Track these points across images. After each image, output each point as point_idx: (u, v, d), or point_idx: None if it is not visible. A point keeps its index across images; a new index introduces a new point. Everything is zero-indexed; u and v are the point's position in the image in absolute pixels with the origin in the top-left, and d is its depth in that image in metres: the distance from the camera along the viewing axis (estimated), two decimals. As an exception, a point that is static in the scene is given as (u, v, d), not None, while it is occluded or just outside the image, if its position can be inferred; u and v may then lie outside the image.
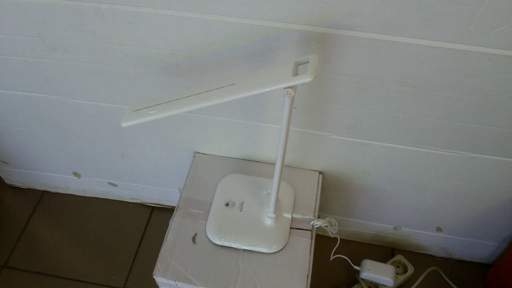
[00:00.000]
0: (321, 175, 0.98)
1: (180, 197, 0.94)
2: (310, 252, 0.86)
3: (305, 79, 0.57)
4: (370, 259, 1.07)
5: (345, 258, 1.01)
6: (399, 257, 1.13)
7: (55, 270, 1.15)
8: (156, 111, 0.69)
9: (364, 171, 0.95)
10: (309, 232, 0.88)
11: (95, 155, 1.10)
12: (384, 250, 1.20)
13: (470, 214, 1.02)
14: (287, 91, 0.59)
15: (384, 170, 0.93)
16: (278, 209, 0.87)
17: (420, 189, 0.97)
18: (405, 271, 1.11)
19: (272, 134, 0.90)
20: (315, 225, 0.88)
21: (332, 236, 0.91)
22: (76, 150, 1.09)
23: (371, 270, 1.05)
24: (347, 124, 0.83)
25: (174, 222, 0.90)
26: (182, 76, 0.80)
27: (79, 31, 0.75)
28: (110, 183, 1.21)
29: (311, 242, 0.87)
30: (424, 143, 0.83)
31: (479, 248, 1.13)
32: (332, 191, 1.03)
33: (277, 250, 0.85)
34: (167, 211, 1.23)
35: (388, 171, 0.93)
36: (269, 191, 0.91)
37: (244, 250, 0.85)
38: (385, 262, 1.13)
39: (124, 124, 0.70)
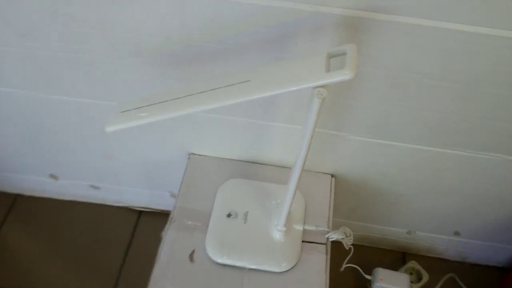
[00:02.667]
0: (333, 179, 0.87)
1: (175, 206, 0.82)
2: (325, 269, 0.75)
3: (343, 76, 0.45)
4: (380, 264, 0.98)
5: (355, 267, 0.91)
6: (412, 264, 1.04)
7: (29, 284, 1.02)
8: (149, 113, 0.56)
9: (383, 174, 0.84)
10: (324, 246, 0.78)
11: (75, 156, 0.97)
12: (394, 255, 1.11)
13: (492, 218, 0.93)
14: (318, 91, 0.47)
15: (406, 174, 0.83)
16: (288, 220, 0.76)
17: (444, 193, 0.87)
18: (419, 279, 1.02)
19: (280, 134, 0.78)
20: (331, 238, 0.77)
21: (347, 248, 0.81)
22: (52, 150, 0.95)
23: (384, 280, 0.96)
24: (370, 123, 0.72)
25: (168, 237, 0.78)
26: (179, 69, 0.67)
27: (53, 12, 0.61)
28: (92, 186, 1.07)
29: (327, 258, 0.76)
30: (456, 145, 0.73)
31: (497, 252, 1.05)
32: (343, 195, 0.92)
33: (288, 268, 0.75)
34: (157, 216, 1.11)
35: (411, 174, 0.83)
36: (279, 201, 0.80)
37: (250, 269, 0.74)
38: (396, 268, 1.04)
39: (109, 129, 0.57)
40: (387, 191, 0.89)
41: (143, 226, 1.11)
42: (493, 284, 1.07)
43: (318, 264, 0.75)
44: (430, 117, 0.68)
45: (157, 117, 0.55)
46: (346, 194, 0.92)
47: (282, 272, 0.74)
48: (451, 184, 0.84)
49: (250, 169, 0.87)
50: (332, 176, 0.87)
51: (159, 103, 0.56)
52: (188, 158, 0.88)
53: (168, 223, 0.80)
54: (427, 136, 0.72)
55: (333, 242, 0.78)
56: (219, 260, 0.74)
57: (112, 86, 0.73)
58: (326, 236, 0.78)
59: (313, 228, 0.78)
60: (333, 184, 0.86)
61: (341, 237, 0.77)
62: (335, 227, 0.79)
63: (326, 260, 0.76)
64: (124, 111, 0.58)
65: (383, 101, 0.66)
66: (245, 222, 0.78)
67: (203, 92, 0.54)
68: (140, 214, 1.13)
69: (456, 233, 1.00)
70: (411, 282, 1.00)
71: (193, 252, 0.76)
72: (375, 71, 0.61)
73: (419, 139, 0.73)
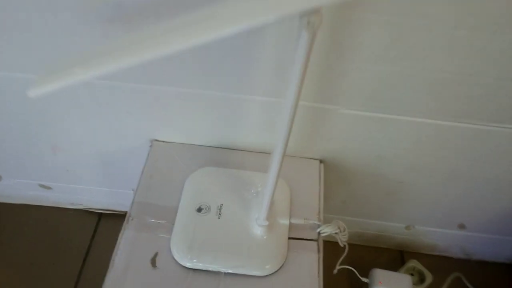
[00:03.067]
0: (322, 165, 0.74)
1: (133, 202, 0.68)
2: (318, 271, 0.62)
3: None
4: (377, 265, 0.86)
5: (350, 269, 0.78)
6: (413, 263, 0.92)
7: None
8: (85, 68, 0.42)
9: (379, 156, 0.72)
10: (315, 243, 0.65)
11: (17, 149, 0.82)
12: (391, 254, 0.99)
13: (503, 207, 0.82)
14: (308, 21, 0.34)
15: (405, 156, 0.71)
16: (271, 213, 0.63)
17: (448, 178, 0.75)
18: (422, 280, 0.90)
19: (259, 110, 0.65)
20: (323, 232, 0.64)
21: (342, 245, 0.68)
22: (-13, 143, 0.80)
23: (384, 283, 0.84)
24: (365, 92, 0.59)
25: (125, 238, 0.64)
26: (128, 25, 0.53)
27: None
28: (42, 186, 0.92)
29: (319, 257, 0.63)
30: (466, 116, 0.61)
31: (506, 247, 0.93)
32: (333, 185, 0.79)
33: (273, 271, 0.61)
34: (119, 218, 0.94)
35: (411, 156, 0.71)
36: (259, 189, 0.66)
37: (226, 274, 0.61)
38: (395, 268, 0.92)
39: (32, 93, 0.43)
40: (383, 178, 0.77)
41: (103, 231, 0.96)
42: (502, 282, 0.96)
43: (309, 265, 0.62)
44: (437, 80, 0.56)
45: (94, 72, 0.42)
46: (336, 184, 0.80)
47: (266, 276, 0.61)
48: (457, 166, 0.72)
49: (224, 156, 0.73)
50: (321, 161, 0.74)
51: (98, 56, 0.43)
52: (150, 146, 0.74)
53: (125, 221, 0.65)
54: (432, 106, 0.60)
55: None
56: (188, 264, 0.61)
57: (44, 53, 0.59)
58: (317, 230, 0.65)
59: (301, 221, 0.65)
60: (322, 170, 0.73)
61: (335, 231, 0.65)
62: (325, 222, 0.66)
63: (318, 259, 0.63)
64: (54, 73, 0.44)
65: (383, 60, 0.54)
66: (219, 217, 0.64)
67: (154, 37, 0.41)
68: (100, 217, 0.98)
69: (461, 226, 0.89)
70: (413, 284, 0.87)
71: (155, 255, 0.62)
72: (373, 17, 0.48)
73: (422, 110, 0.61)
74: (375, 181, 0.78)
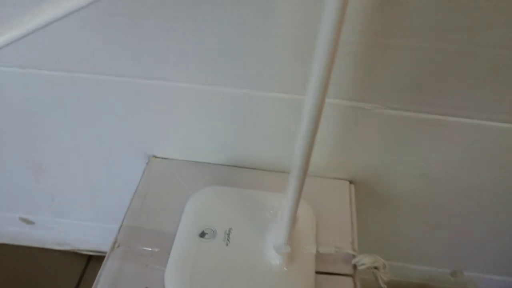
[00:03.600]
0: (352, 186, 0.61)
1: (121, 225, 0.55)
2: (356, 316, 0.47)
3: None
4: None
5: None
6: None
7: None
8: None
9: (424, 175, 0.59)
10: (350, 279, 0.50)
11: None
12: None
13: None
14: None
15: (456, 173, 0.58)
16: (293, 239, 0.49)
17: (501, 200, 0.61)
18: None
19: (275, 112, 0.54)
20: (361, 265, 0.50)
21: (383, 285, 0.53)
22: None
23: None
24: (407, 81, 0.48)
25: (107, 270, 0.50)
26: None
27: None
28: (23, 219, 0.80)
29: (356, 297, 0.49)
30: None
31: None
32: (365, 216, 0.65)
33: (296, 314, 0.47)
34: (111, 261, 0.82)
35: (464, 173, 0.58)
36: (277, 210, 0.53)
37: (235, 316, 0.46)
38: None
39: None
40: (427, 205, 0.63)
41: (91, 276, 0.81)
42: None
43: (343, 308, 0.48)
44: (503, 59, 0.44)
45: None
46: (369, 215, 0.66)
47: (287, 320, 0.46)
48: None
49: (233, 175, 0.61)
50: (351, 182, 0.61)
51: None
52: (147, 163, 0.62)
53: (110, 249, 0.52)
54: (503, 102, 0.48)
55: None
56: (185, 304, 0.46)
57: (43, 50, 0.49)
58: (353, 262, 0.50)
59: (331, 250, 0.51)
60: (353, 192, 0.60)
61: (375, 265, 0.50)
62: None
63: (356, 301, 0.48)
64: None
65: (436, 32, 0.43)
66: (227, 244, 0.51)
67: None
68: (89, 260, 0.84)
69: (521, 272, 0.73)
70: None
71: (144, 291, 0.48)
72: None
73: (483, 107, 0.49)
74: (417, 209, 0.64)
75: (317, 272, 0.50)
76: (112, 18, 0.46)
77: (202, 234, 0.52)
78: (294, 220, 0.46)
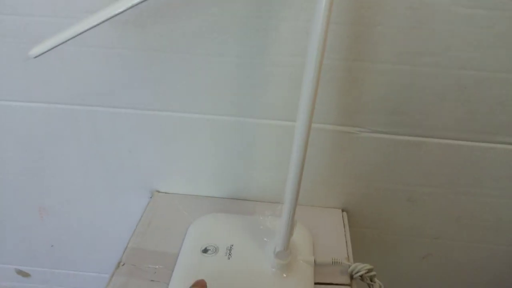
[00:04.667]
0: (345, 214, 0.65)
1: (125, 248, 0.57)
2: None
3: None
4: None
5: None
6: None
7: None
8: (85, 21, 0.39)
9: (411, 199, 0.64)
10: None
11: (-1, 217, 0.73)
12: None
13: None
14: None
15: (441, 195, 0.63)
16: (292, 251, 0.52)
17: (493, 229, 0.65)
18: None
19: (272, 142, 0.60)
20: (356, 272, 0.52)
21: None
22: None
23: None
24: (388, 104, 0.55)
25: (112, 285, 0.52)
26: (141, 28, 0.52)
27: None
28: (20, 272, 0.80)
29: (354, 303, 0.50)
30: (503, 131, 0.56)
31: None
32: (357, 247, 0.68)
33: (298, 318, 0.48)
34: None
35: (448, 195, 0.62)
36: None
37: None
38: None
39: (33, 52, 0.40)
40: (417, 232, 0.67)
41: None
42: None
43: (343, 314, 0.49)
44: (468, 80, 0.52)
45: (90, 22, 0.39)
46: (361, 245, 0.69)
47: (289, 325, 0.47)
48: (504, 212, 0.63)
49: (233, 206, 0.65)
50: (343, 210, 0.65)
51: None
52: (150, 197, 0.66)
53: (115, 267, 0.54)
54: (464, 118, 0.55)
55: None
56: (190, 311, 0.47)
57: (32, 76, 0.56)
58: (349, 270, 0.53)
59: (328, 261, 0.54)
60: (345, 219, 0.64)
61: (370, 274, 0.53)
62: None
63: (354, 307, 0.50)
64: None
65: (404, 57, 0.51)
66: (229, 258, 0.53)
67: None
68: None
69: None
70: None
71: (149, 303, 0.49)
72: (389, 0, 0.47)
73: (452, 125, 0.56)
74: (407, 237, 0.67)
75: (316, 283, 0.52)
76: (130, 52, 0.54)
77: (205, 250, 0.54)
78: (292, 225, 0.49)
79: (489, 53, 0.50)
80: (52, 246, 0.75)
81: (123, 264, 0.54)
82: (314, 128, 0.46)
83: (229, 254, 0.53)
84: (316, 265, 0.53)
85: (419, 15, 0.48)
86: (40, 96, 0.59)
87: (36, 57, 0.40)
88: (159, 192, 0.66)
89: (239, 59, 0.53)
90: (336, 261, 0.54)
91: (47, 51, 0.40)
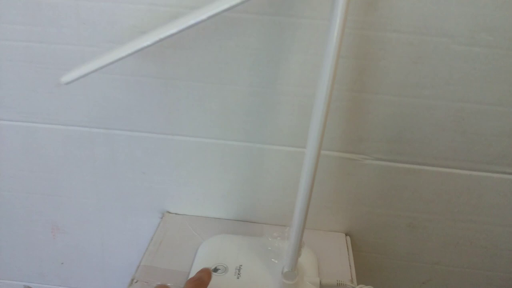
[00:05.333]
0: (348, 238, 0.67)
1: (138, 266, 0.59)
2: (360, 337, 0.50)
3: None
4: None
5: None
6: None
7: None
8: (115, 52, 0.43)
9: (411, 225, 0.66)
10: (351, 307, 0.54)
11: (10, 237, 0.75)
12: None
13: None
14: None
15: (439, 221, 0.65)
16: (298, 273, 0.54)
17: (489, 254, 0.67)
18: None
19: (282, 166, 0.63)
20: (360, 293, 0.55)
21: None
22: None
23: None
24: (390, 133, 0.58)
25: (126, 300, 0.54)
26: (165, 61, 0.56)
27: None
28: (27, 289, 0.81)
29: (358, 323, 0.52)
30: (500, 162, 0.59)
31: None
32: (359, 272, 0.70)
33: (305, 336, 0.50)
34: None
35: (446, 221, 0.65)
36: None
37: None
38: None
39: (65, 79, 0.43)
40: (417, 258, 0.69)
41: None
42: None
43: (347, 332, 0.51)
44: (463, 113, 0.56)
45: (120, 53, 0.42)
46: (363, 270, 0.71)
47: None
48: (500, 238, 0.66)
49: (242, 227, 0.67)
50: (347, 234, 0.68)
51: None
52: (161, 217, 0.69)
53: (128, 285, 0.56)
54: (460, 149, 0.58)
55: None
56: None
57: (72, 97, 0.60)
58: (353, 291, 0.55)
59: (333, 282, 0.56)
60: (349, 243, 0.66)
61: (374, 296, 0.55)
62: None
63: (358, 327, 0.52)
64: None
65: (404, 89, 0.55)
66: (238, 277, 0.55)
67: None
68: (88, 334, 0.83)
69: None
70: None
71: (161, 319, 0.51)
72: (395, 36, 0.51)
73: (448, 155, 0.59)
74: (408, 262, 0.69)
75: (321, 303, 0.54)
76: (148, 80, 0.57)
77: (215, 270, 0.56)
78: (300, 247, 0.52)
79: (486, 87, 0.53)
80: (62, 263, 0.77)
81: (136, 281, 0.56)
82: (320, 154, 0.49)
83: (238, 274, 0.56)
84: (321, 286, 0.55)
85: (420, 51, 0.52)
86: (60, 119, 0.62)
87: (67, 83, 0.44)
88: (169, 213, 0.69)
89: (250, 88, 0.57)
90: (340, 283, 0.56)
91: (77, 78, 0.43)
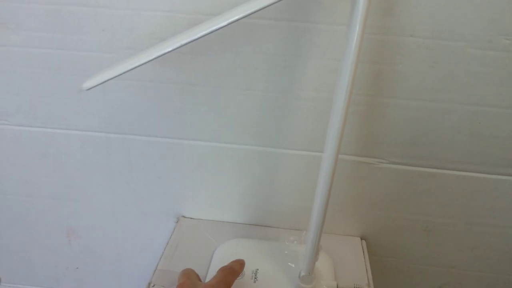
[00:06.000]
0: (364, 242, 0.67)
1: (155, 270, 0.59)
2: None
3: None
4: None
5: None
6: None
7: None
8: (136, 58, 0.44)
9: (427, 229, 0.66)
10: (369, 311, 0.54)
11: (26, 240, 0.76)
12: None
13: None
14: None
15: (455, 225, 0.65)
16: (315, 277, 0.54)
17: (506, 258, 0.67)
18: None
19: (295, 172, 0.63)
20: (378, 298, 0.55)
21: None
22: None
23: None
24: (407, 137, 0.58)
25: (144, 304, 0.54)
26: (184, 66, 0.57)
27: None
28: (43, 294, 0.82)
29: (376, 327, 0.52)
30: (515, 164, 0.59)
31: None
32: (376, 276, 0.70)
33: None
34: None
35: (462, 225, 0.65)
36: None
37: None
38: None
39: (86, 85, 0.44)
40: (433, 262, 0.69)
41: None
42: None
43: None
44: (480, 117, 0.56)
45: (144, 58, 0.43)
46: (380, 274, 0.71)
47: None
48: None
49: (257, 232, 0.68)
50: (362, 238, 0.68)
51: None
52: (176, 222, 0.69)
53: (146, 288, 0.56)
54: (478, 153, 0.58)
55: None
56: (219, 331, 0.50)
57: (90, 103, 0.60)
58: (371, 295, 0.55)
59: (350, 286, 0.56)
60: (365, 247, 0.66)
61: (391, 300, 0.55)
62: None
63: (376, 330, 0.52)
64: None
65: (421, 94, 0.55)
66: (254, 281, 0.56)
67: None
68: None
69: None
70: None
71: (179, 322, 0.51)
72: (411, 40, 0.51)
73: (467, 158, 0.59)
74: (424, 266, 0.69)
75: (339, 308, 0.54)
76: (166, 85, 0.58)
77: (232, 274, 0.56)
78: (317, 251, 0.52)
79: (502, 91, 0.54)
80: (77, 268, 0.78)
81: (153, 286, 0.56)
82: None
83: (255, 278, 0.56)
84: (338, 289, 0.55)
85: (436, 55, 0.52)
86: (77, 124, 0.63)
87: (88, 89, 0.44)
88: (184, 217, 0.69)
89: (265, 93, 0.57)
90: (357, 286, 0.56)
91: (98, 84, 0.44)
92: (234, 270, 0.49)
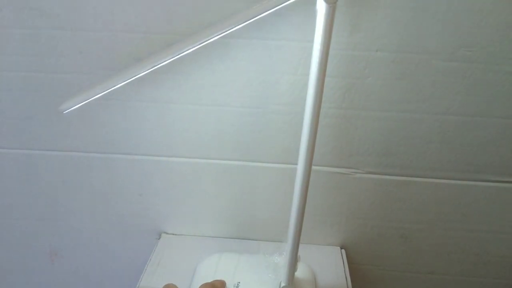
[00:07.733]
0: (343, 251, 0.69)
1: (138, 286, 0.60)
2: None
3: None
4: None
5: None
6: None
7: None
8: (113, 79, 0.45)
9: (403, 236, 0.68)
10: (349, 319, 0.55)
11: (8, 261, 0.75)
12: None
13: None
14: (327, -7, 0.39)
15: (430, 231, 0.67)
16: (296, 285, 0.56)
17: (481, 261, 0.69)
18: None
19: (273, 182, 0.64)
20: (357, 305, 0.56)
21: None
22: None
23: None
24: (379, 147, 0.61)
25: (127, 322, 0.54)
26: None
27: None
28: (26, 317, 0.81)
29: (357, 332, 0.53)
30: (483, 170, 0.61)
31: None
32: (356, 281, 0.72)
33: None
34: None
35: (437, 231, 0.67)
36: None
37: None
38: None
39: (64, 107, 0.45)
40: (411, 269, 0.71)
41: None
42: None
43: None
44: (446, 125, 0.58)
45: (118, 81, 0.44)
46: (359, 280, 0.72)
47: None
48: (486, 240, 0.68)
49: (238, 245, 0.68)
50: (342, 248, 0.69)
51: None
52: (158, 238, 0.70)
53: (128, 306, 0.57)
54: (447, 159, 0.60)
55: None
56: None
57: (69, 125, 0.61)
58: (350, 304, 0.56)
59: (330, 295, 0.57)
60: (344, 256, 0.67)
61: (370, 307, 0.56)
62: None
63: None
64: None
65: (390, 105, 0.57)
66: (236, 294, 0.56)
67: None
68: None
69: None
70: None
71: (162, 337, 0.52)
72: (378, 55, 0.54)
73: (437, 166, 0.61)
74: (403, 273, 0.71)
75: (320, 316, 0.55)
76: (144, 104, 0.59)
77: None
78: (296, 261, 0.53)
79: (467, 100, 0.56)
80: (60, 290, 0.77)
81: (136, 302, 0.57)
82: (312, 170, 0.51)
83: (237, 291, 0.57)
84: (319, 298, 0.56)
85: (403, 68, 0.54)
86: (57, 145, 0.64)
87: (65, 112, 0.45)
88: (166, 233, 0.70)
89: (242, 109, 0.59)
90: (337, 294, 0.57)
91: (77, 106, 0.45)
92: (215, 286, 0.50)
